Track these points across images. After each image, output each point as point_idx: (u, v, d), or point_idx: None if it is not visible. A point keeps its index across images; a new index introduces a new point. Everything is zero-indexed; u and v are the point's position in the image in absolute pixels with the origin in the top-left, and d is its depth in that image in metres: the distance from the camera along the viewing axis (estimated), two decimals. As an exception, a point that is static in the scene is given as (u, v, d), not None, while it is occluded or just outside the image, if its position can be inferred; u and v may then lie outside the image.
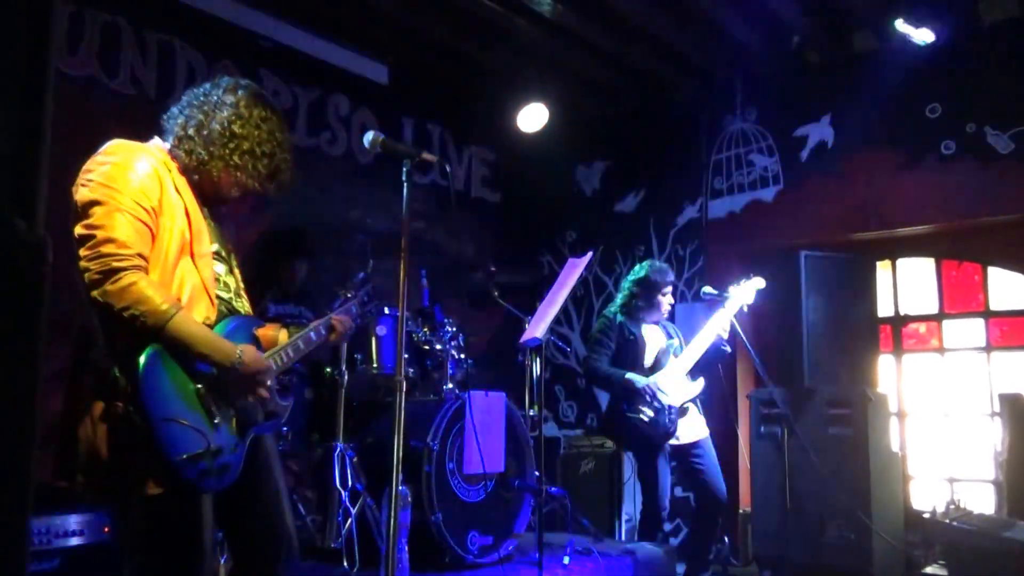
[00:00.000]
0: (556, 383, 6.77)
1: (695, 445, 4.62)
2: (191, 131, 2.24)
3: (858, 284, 5.58)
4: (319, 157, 5.67)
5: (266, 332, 2.39)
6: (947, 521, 4.20)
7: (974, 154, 5.13)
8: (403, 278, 2.49)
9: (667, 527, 5.44)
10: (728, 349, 4.66)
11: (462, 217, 6.68)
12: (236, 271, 2.40)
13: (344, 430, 3.81)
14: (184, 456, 1.99)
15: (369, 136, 2.54)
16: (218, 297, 2.25)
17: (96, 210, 2.02)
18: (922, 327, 5.88)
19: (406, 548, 3.37)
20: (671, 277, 4.84)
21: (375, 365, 4.14)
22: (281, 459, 2.51)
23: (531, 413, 4.61)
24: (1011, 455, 4.63)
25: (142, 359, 1.99)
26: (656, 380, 4.52)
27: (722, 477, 4.64)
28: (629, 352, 4.66)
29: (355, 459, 3.73)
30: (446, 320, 4.33)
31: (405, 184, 2.53)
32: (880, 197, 5.44)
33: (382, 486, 3.17)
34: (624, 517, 5.47)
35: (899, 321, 5.86)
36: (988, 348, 5.53)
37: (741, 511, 5.53)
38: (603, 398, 5.74)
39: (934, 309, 5.76)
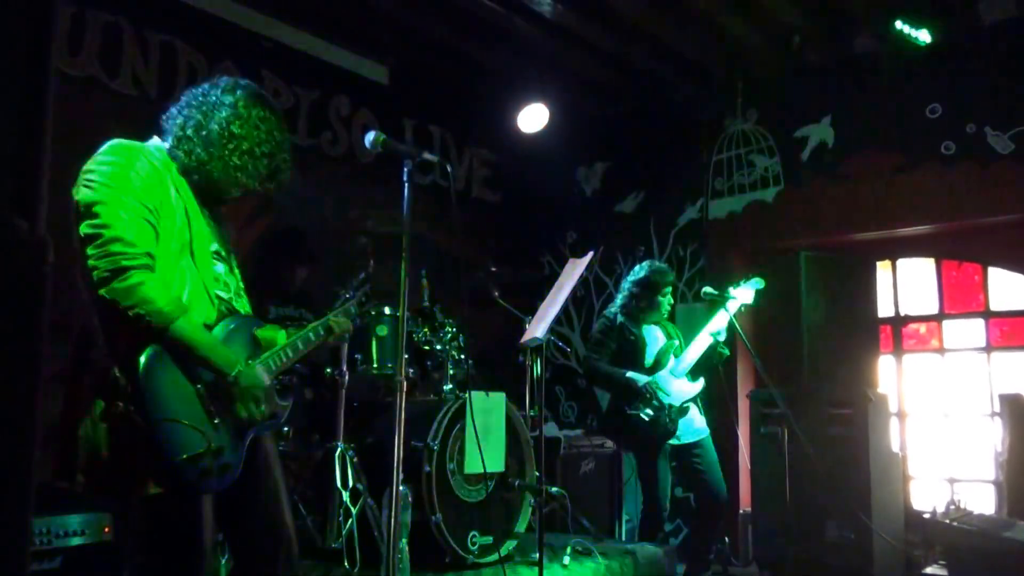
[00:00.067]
0: (556, 383, 6.78)
1: (695, 445, 4.63)
2: (190, 131, 2.24)
3: (858, 284, 5.60)
4: (320, 157, 5.68)
5: (265, 333, 2.39)
6: (947, 521, 4.20)
7: (974, 154, 5.13)
8: (404, 278, 2.49)
9: (667, 527, 5.44)
10: (727, 352, 4.66)
11: (463, 217, 6.68)
12: (236, 271, 2.40)
13: (344, 430, 3.81)
14: (184, 457, 1.99)
15: (371, 136, 2.55)
16: (218, 297, 2.25)
17: (101, 209, 2.02)
18: (922, 327, 5.88)
19: (407, 548, 3.38)
20: (671, 277, 4.85)
21: (375, 365, 4.14)
22: (281, 459, 2.51)
23: (531, 413, 4.62)
24: (1011, 455, 4.63)
25: (143, 359, 1.99)
26: (656, 380, 4.53)
27: (722, 477, 4.64)
28: (630, 352, 4.67)
29: (355, 459, 3.73)
30: (446, 320, 4.34)
31: (406, 184, 2.53)
32: (880, 197, 5.44)
33: (383, 486, 3.16)
34: (624, 517, 5.47)
35: (899, 321, 5.86)
36: (988, 348, 5.53)
37: (741, 511, 5.54)
38: (603, 398, 5.75)
39: (934, 309, 5.76)
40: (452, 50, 5.81)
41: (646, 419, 4.47)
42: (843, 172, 5.62)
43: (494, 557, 3.87)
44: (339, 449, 3.71)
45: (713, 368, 4.72)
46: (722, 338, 4.59)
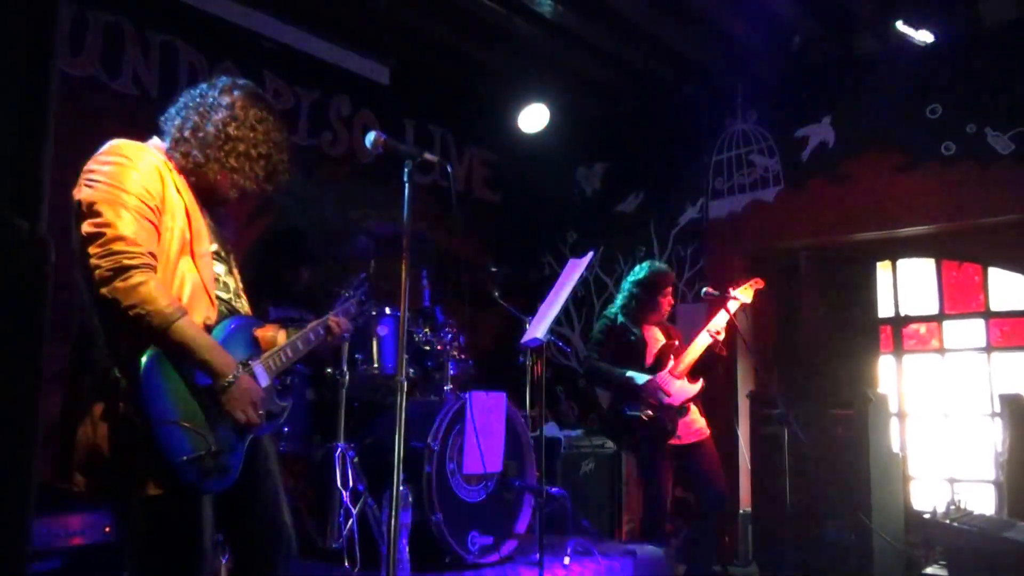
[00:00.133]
0: (557, 383, 6.77)
1: (696, 445, 4.63)
2: (187, 133, 2.24)
3: (858, 285, 5.60)
4: (320, 157, 5.69)
5: (265, 333, 2.40)
6: (947, 522, 4.20)
7: (974, 155, 5.13)
8: (404, 279, 2.50)
9: (668, 527, 5.44)
10: (724, 353, 4.66)
11: (463, 218, 6.69)
12: (236, 271, 2.40)
13: (345, 430, 3.82)
14: (185, 458, 1.99)
15: (371, 136, 2.55)
16: (218, 297, 2.25)
17: (103, 208, 2.02)
18: (922, 328, 5.88)
19: (407, 548, 3.38)
20: (671, 278, 4.85)
21: (376, 365, 4.14)
22: (282, 459, 2.52)
23: (531, 413, 4.62)
24: (1011, 456, 4.63)
25: (143, 360, 1.99)
26: (657, 380, 4.53)
27: (723, 477, 4.64)
28: (630, 352, 4.67)
29: (356, 459, 3.73)
30: (447, 321, 4.34)
31: (406, 185, 2.53)
32: (880, 198, 5.44)
33: (383, 486, 3.17)
34: (624, 517, 5.47)
35: (899, 321, 5.86)
36: (988, 349, 5.52)
37: (741, 511, 5.53)
38: (604, 398, 5.75)
39: (934, 310, 5.76)
40: (452, 50, 5.82)
41: (646, 419, 4.47)
42: (843, 172, 5.62)
43: (494, 557, 3.87)
44: (339, 449, 3.72)
45: (713, 368, 4.73)
46: (722, 338, 4.59)
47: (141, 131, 2.31)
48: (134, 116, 4.53)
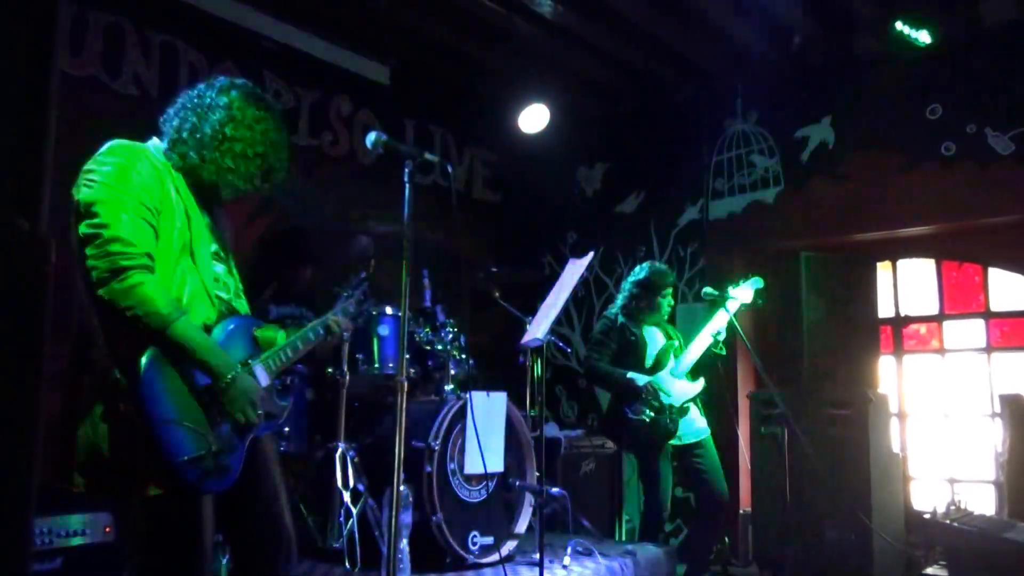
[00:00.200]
0: (557, 383, 6.78)
1: (696, 445, 4.63)
2: (184, 134, 2.25)
3: (859, 285, 5.60)
4: (321, 158, 5.69)
5: (265, 333, 2.40)
6: (947, 522, 4.20)
7: (974, 155, 5.13)
8: (405, 279, 2.50)
9: (668, 527, 5.44)
10: (723, 352, 4.66)
11: (463, 218, 6.69)
12: (235, 271, 2.41)
13: (345, 430, 3.82)
14: (185, 458, 2.00)
15: (372, 136, 2.55)
16: (218, 298, 2.25)
17: (101, 209, 2.02)
18: (922, 328, 5.88)
19: (407, 548, 3.38)
20: (671, 278, 4.85)
21: (376, 365, 4.14)
22: (282, 459, 2.52)
23: (532, 413, 4.62)
24: (1012, 456, 4.63)
25: (143, 360, 1.99)
26: (657, 380, 4.53)
27: (723, 477, 4.64)
28: (630, 352, 4.67)
29: (356, 459, 3.73)
30: (447, 321, 4.34)
31: (407, 185, 2.53)
32: (881, 198, 5.44)
33: (383, 486, 3.17)
34: (625, 517, 5.47)
35: (899, 322, 5.86)
36: (988, 349, 5.53)
37: (741, 511, 5.54)
38: (604, 398, 5.75)
39: (934, 310, 5.77)
40: (453, 50, 5.82)
41: (647, 420, 4.47)
42: (843, 172, 5.62)
43: (495, 557, 3.87)
44: (340, 449, 3.72)
45: (713, 368, 4.73)
46: (722, 338, 4.59)
47: (142, 131, 2.31)
48: (134, 116, 4.53)
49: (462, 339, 4.32)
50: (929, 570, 4.36)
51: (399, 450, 2.39)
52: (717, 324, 4.58)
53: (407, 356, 2.56)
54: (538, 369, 4.11)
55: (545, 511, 3.74)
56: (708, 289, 4.76)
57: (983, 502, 5.15)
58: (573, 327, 6.79)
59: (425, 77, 6.18)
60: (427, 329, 4.27)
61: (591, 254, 3.78)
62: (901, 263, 5.89)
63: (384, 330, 4.17)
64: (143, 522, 2.07)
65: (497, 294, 4.65)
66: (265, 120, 2.34)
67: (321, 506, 3.82)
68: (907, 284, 5.88)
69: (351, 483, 3.65)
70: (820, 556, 4.56)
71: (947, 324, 5.73)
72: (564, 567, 3.88)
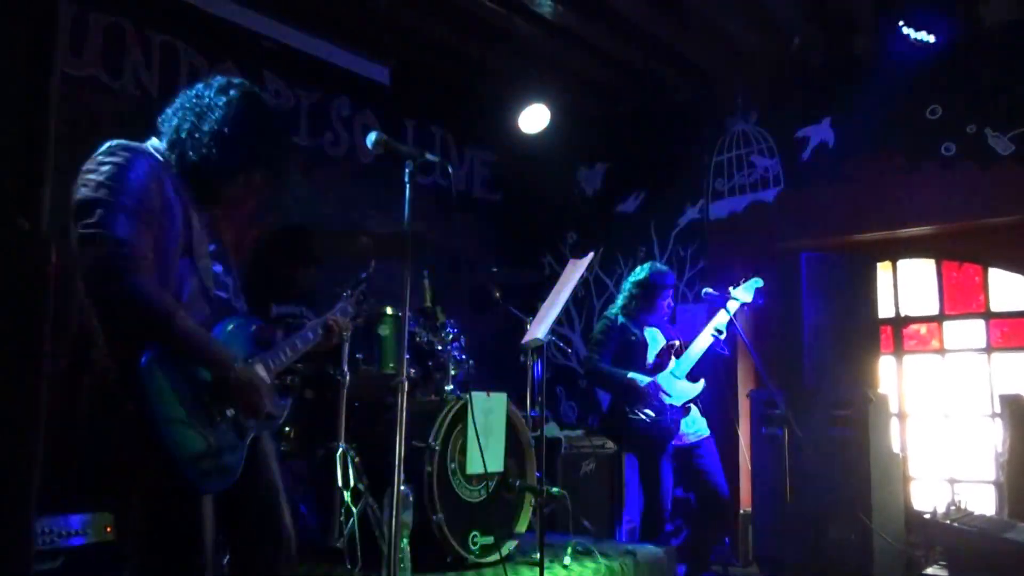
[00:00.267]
0: (557, 384, 6.78)
1: (697, 445, 4.63)
2: (184, 133, 2.24)
3: (859, 285, 5.59)
4: (321, 158, 5.69)
5: (264, 332, 2.40)
6: (948, 522, 4.20)
7: (974, 156, 5.13)
8: (406, 279, 2.50)
9: (668, 527, 5.44)
10: (726, 352, 4.67)
11: (463, 218, 6.69)
12: (234, 271, 2.41)
13: (346, 430, 3.81)
14: (186, 458, 2.00)
15: (372, 137, 2.55)
16: (217, 297, 2.25)
17: (98, 210, 2.02)
18: (923, 328, 5.88)
19: (408, 548, 3.38)
20: (672, 279, 4.86)
21: (377, 366, 4.14)
22: (283, 459, 2.52)
23: (532, 413, 4.62)
24: (1012, 456, 4.63)
25: (143, 360, 1.99)
26: (658, 380, 4.53)
27: (723, 477, 4.64)
28: (631, 353, 4.67)
29: (357, 459, 3.73)
30: (448, 321, 4.34)
31: (407, 185, 2.53)
32: (881, 198, 5.44)
33: (384, 486, 3.17)
34: (625, 518, 5.47)
35: (900, 322, 5.86)
36: (988, 349, 5.53)
37: (742, 511, 5.54)
38: (604, 399, 5.75)
39: (935, 310, 5.77)
40: (453, 51, 5.82)
41: (648, 420, 4.47)
42: (844, 173, 5.62)
43: (495, 557, 3.87)
44: (340, 449, 3.72)
45: (714, 369, 4.73)
46: (723, 338, 4.59)
47: (142, 131, 2.31)
48: (135, 116, 4.53)
49: (462, 339, 4.32)
50: (929, 570, 4.36)
51: (399, 450, 2.39)
52: (717, 324, 4.59)
53: (407, 356, 2.56)
54: (539, 369, 4.11)
55: (546, 511, 3.74)
56: (708, 289, 4.76)
57: (983, 502, 5.15)
58: (574, 327, 6.79)
59: (425, 77, 6.18)
60: (427, 329, 4.27)
61: (591, 254, 3.78)
62: (901, 263, 5.89)
63: (384, 330, 4.17)
64: (143, 522, 2.07)
65: (497, 294, 4.65)
66: (264, 119, 2.34)
67: (321, 506, 3.82)
68: (907, 284, 5.88)
69: (351, 483, 3.65)
70: (820, 556, 4.56)
71: (947, 324, 5.73)
72: (564, 567, 3.88)
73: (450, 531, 3.66)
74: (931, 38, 5.05)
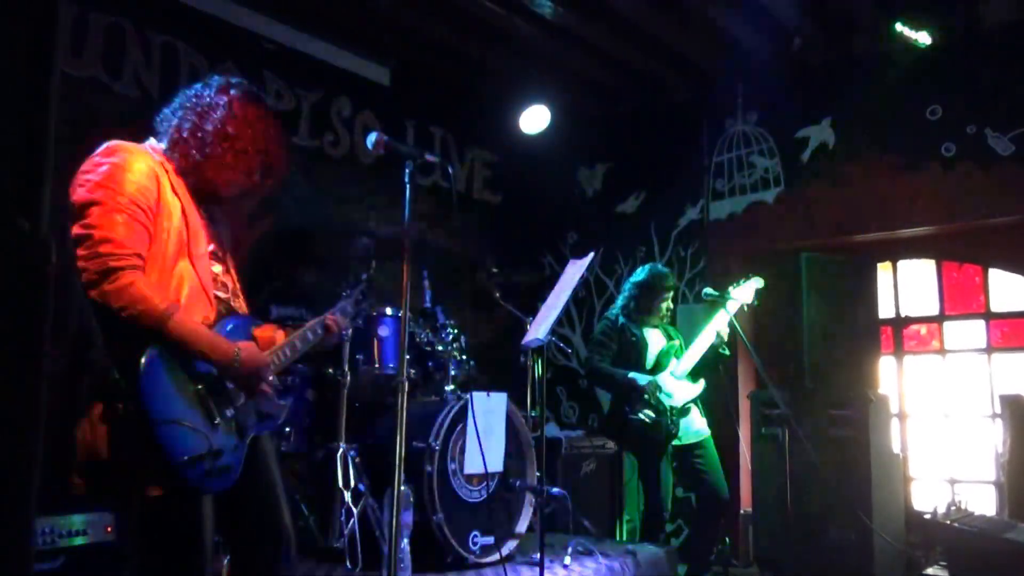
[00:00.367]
0: (557, 384, 6.78)
1: (697, 446, 4.63)
2: (186, 134, 2.25)
3: (859, 286, 5.60)
4: (321, 158, 5.68)
5: (263, 332, 2.40)
6: (948, 522, 4.20)
7: (974, 156, 5.13)
8: (406, 279, 2.50)
9: (668, 528, 5.44)
10: (727, 352, 4.66)
11: (463, 218, 6.69)
12: (233, 271, 2.41)
13: (346, 430, 3.82)
14: (186, 458, 2.00)
15: (372, 137, 2.55)
16: (216, 297, 2.26)
17: (93, 210, 2.03)
18: (923, 328, 5.88)
19: (408, 548, 3.38)
20: (672, 281, 4.86)
21: (377, 366, 4.15)
22: (283, 459, 2.52)
23: (532, 414, 4.62)
24: (1012, 456, 4.63)
25: (142, 360, 2.00)
26: (658, 381, 4.53)
27: (724, 478, 4.64)
28: (631, 353, 4.67)
29: (357, 459, 3.73)
30: (448, 321, 4.34)
31: (408, 185, 2.54)
32: (881, 199, 5.44)
33: (384, 486, 3.17)
34: (625, 518, 5.47)
35: (900, 322, 5.87)
36: (989, 349, 5.53)
37: (742, 512, 5.54)
38: (605, 399, 5.75)
39: (935, 310, 5.77)
40: (453, 51, 5.82)
41: (648, 420, 4.47)
42: (844, 173, 5.62)
43: (495, 557, 3.87)
44: (341, 449, 3.72)
45: (714, 369, 4.73)
46: (725, 338, 4.59)
47: (142, 132, 2.31)
48: (135, 117, 4.51)
49: (462, 339, 4.32)
50: (929, 570, 4.36)
51: (400, 450, 2.39)
52: (717, 325, 4.58)
53: (407, 357, 2.56)
54: (539, 370, 4.11)
55: (545, 511, 3.74)
56: (708, 290, 4.76)
57: (983, 502, 5.15)
58: (574, 328, 6.79)
59: (425, 77, 6.18)
60: (428, 330, 4.28)
61: (591, 255, 3.78)
62: (901, 264, 5.89)
63: (384, 330, 4.17)
64: (143, 522, 2.07)
65: (497, 295, 4.65)
66: (264, 118, 2.35)
67: (322, 506, 3.83)
68: (907, 285, 5.88)
69: (352, 483, 3.65)
70: (820, 556, 4.56)
71: (947, 325, 5.74)
72: (564, 567, 3.88)
73: (450, 531, 3.66)
74: (930, 38, 5.05)
